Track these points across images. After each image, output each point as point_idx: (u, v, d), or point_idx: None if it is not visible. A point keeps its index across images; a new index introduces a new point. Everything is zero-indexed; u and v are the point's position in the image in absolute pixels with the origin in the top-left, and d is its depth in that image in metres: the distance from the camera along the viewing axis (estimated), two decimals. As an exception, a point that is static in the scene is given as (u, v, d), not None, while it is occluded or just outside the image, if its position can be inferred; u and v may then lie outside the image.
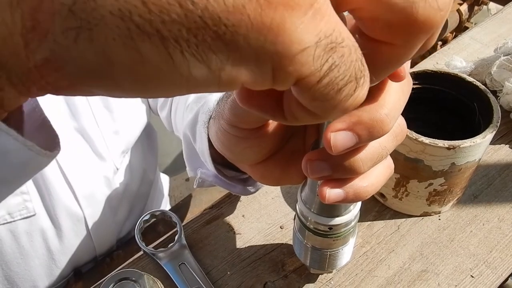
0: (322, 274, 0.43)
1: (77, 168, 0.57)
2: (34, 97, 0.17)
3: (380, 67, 0.18)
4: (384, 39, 0.17)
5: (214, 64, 0.14)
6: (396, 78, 0.21)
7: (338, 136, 0.21)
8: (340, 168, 0.24)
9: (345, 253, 0.37)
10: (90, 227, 0.62)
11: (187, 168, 0.54)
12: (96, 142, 0.59)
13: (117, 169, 0.63)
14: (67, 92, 0.16)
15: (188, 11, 0.13)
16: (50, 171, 0.54)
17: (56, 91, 0.16)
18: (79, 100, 0.55)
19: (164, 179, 0.90)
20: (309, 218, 0.33)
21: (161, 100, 0.64)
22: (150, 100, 0.68)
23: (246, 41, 0.13)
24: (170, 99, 0.61)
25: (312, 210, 0.32)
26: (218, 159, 0.39)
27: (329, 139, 0.21)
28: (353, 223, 0.33)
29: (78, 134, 0.56)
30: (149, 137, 0.75)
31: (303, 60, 0.14)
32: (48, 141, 0.21)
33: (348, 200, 0.26)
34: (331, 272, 0.43)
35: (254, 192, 0.44)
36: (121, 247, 0.71)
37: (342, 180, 0.25)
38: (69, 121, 0.55)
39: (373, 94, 0.22)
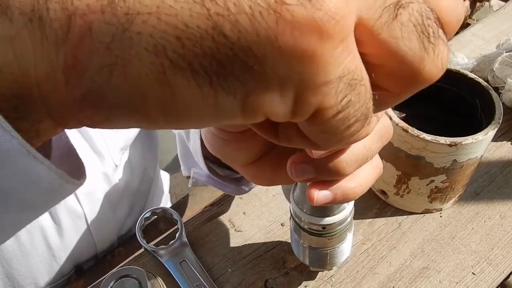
0: (322, 271, 0.43)
1: None
2: (70, 129, 0.17)
3: (376, 108, 0.18)
4: (383, 86, 0.17)
5: (239, 93, 0.14)
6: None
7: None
8: (324, 170, 0.24)
9: (344, 250, 0.37)
10: (90, 224, 0.62)
11: (182, 167, 0.54)
12: (95, 139, 0.59)
13: (116, 166, 0.63)
14: (104, 126, 0.16)
15: (220, 44, 0.13)
16: None
17: (93, 125, 0.16)
18: None
19: (165, 177, 0.90)
20: (302, 219, 0.33)
21: None
22: None
23: (274, 70, 0.14)
24: None
25: (304, 210, 0.32)
26: (211, 158, 0.39)
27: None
28: (347, 221, 0.33)
29: (76, 130, 0.57)
30: (148, 134, 0.75)
31: (326, 92, 0.14)
32: (73, 169, 0.21)
33: (336, 202, 0.25)
34: (331, 269, 0.43)
35: (248, 191, 0.44)
36: (122, 244, 0.71)
37: (329, 182, 0.25)
38: None
39: None
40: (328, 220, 0.32)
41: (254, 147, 0.28)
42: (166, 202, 0.87)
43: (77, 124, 0.16)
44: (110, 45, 0.13)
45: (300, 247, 0.37)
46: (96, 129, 0.58)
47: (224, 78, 0.14)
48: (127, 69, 0.13)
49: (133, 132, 0.66)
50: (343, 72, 0.14)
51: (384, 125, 0.26)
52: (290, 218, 0.37)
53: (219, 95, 0.14)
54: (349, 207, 0.32)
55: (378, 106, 0.18)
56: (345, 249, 0.37)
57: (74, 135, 0.57)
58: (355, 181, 0.26)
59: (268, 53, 0.13)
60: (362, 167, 0.26)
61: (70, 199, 0.58)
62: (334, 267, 0.43)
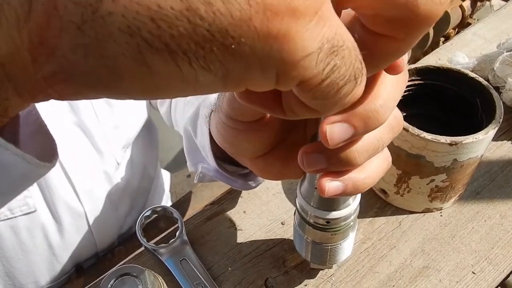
0: (322, 269, 0.43)
1: (77, 163, 0.57)
2: (37, 103, 0.17)
3: (381, 59, 0.18)
4: (387, 33, 0.17)
5: (220, 72, 0.14)
6: (394, 70, 0.21)
7: (334, 129, 0.21)
8: (336, 160, 0.24)
9: (345, 248, 0.37)
10: (91, 222, 0.62)
11: (188, 163, 0.54)
12: (96, 137, 0.58)
13: (118, 164, 0.63)
14: (72, 97, 0.16)
15: (196, 25, 0.13)
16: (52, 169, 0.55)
17: (61, 98, 0.16)
18: None
19: (165, 175, 0.90)
20: (309, 212, 0.33)
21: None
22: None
23: (252, 50, 0.14)
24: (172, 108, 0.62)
25: (311, 204, 0.32)
26: (218, 154, 0.39)
27: (325, 131, 0.21)
28: (352, 217, 0.33)
29: (77, 128, 0.56)
30: (149, 132, 0.75)
31: (306, 65, 0.15)
32: (45, 146, 0.21)
33: (347, 193, 0.26)
34: (331, 267, 0.43)
35: (255, 187, 0.44)
36: (122, 242, 0.71)
37: (340, 173, 0.25)
38: (68, 115, 0.55)
39: (368, 85, 0.22)
40: (333, 215, 0.32)
41: (265, 139, 0.29)
42: (166, 201, 0.87)
43: (45, 98, 0.16)
44: (82, 26, 0.13)
45: (303, 242, 0.38)
46: (99, 128, 0.58)
47: (203, 58, 0.14)
48: (102, 49, 0.13)
49: (135, 130, 0.66)
50: (322, 43, 0.15)
51: (396, 116, 0.26)
52: (294, 213, 0.37)
53: (199, 74, 0.14)
54: (354, 203, 0.32)
55: (385, 55, 0.18)
56: (346, 247, 0.37)
57: (76, 133, 0.56)
58: (365, 172, 0.26)
59: (244, 34, 0.13)
60: (372, 158, 0.26)
61: (71, 198, 0.58)
62: (334, 266, 0.43)
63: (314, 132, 0.28)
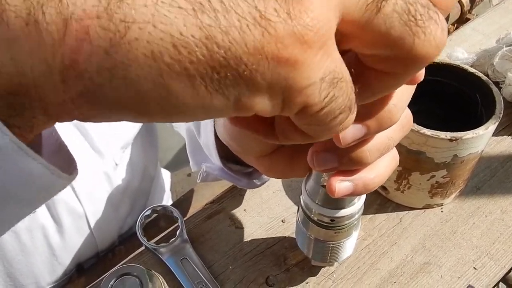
0: (323, 266, 0.43)
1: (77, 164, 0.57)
2: (61, 122, 0.18)
3: (378, 91, 0.19)
4: (385, 70, 0.18)
5: (233, 96, 0.16)
6: (412, 82, 0.22)
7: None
8: (347, 159, 0.24)
9: (347, 247, 0.37)
10: (91, 223, 0.61)
11: (191, 163, 0.54)
12: (95, 137, 0.58)
13: (117, 164, 0.63)
14: (96, 119, 0.17)
15: (213, 52, 0.14)
16: None
17: (85, 119, 0.17)
18: None
19: (166, 175, 0.90)
20: (313, 210, 0.33)
21: None
22: None
23: (263, 77, 0.15)
24: None
25: (316, 201, 0.32)
26: (222, 153, 0.39)
27: None
28: (356, 216, 0.33)
29: (75, 129, 0.56)
30: (149, 132, 0.75)
31: (310, 93, 0.16)
32: (64, 165, 0.21)
33: (356, 193, 0.26)
34: (332, 265, 0.43)
35: (260, 185, 0.44)
36: (123, 242, 0.71)
37: (349, 172, 0.26)
38: None
39: None
40: (338, 213, 0.32)
41: (271, 133, 0.28)
42: (167, 200, 0.87)
43: (70, 119, 0.17)
44: (109, 50, 0.14)
45: (306, 239, 0.38)
46: (97, 128, 0.58)
47: (218, 82, 0.15)
48: (126, 72, 0.14)
49: (134, 130, 0.65)
50: (324, 74, 0.16)
51: (406, 115, 0.26)
52: (298, 209, 0.37)
53: (214, 97, 0.15)
54: (359, 202, 0.32)
55: (389, 88, 0.19)
56: (348, 246, 0.37)
57: (74, 134, 0.56)
58: (375, 171, 0.26)
59: (257, 62, 0.15)
60: (381, 158, 0.26)
61: (71, 199, 0.57)
62: (335, 264, 0.43)
63: None
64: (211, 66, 0.15)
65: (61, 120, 0.17)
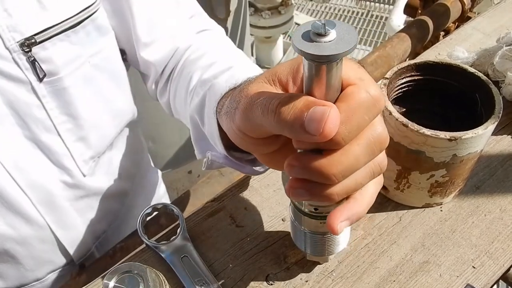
0: (320, 263, 0.44)
1: (31, 176, 0.54)
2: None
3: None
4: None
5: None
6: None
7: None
8: (315, 191, 0.29)
9: (341, 238, 0.38)
10: (57, 233, 0.59)
11: (196, 151, 0.55)
12: (56, 151, 0.55)
13: (84, 176, 0.61)
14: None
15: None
16: (2, 180, 0.51)
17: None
18: (32, 109, 0.51)
19: (156, 176, 0.86)
20: (303, 202, 0.34)
21: (160, 85, 0.63)
22: (149, 86, 0.66)
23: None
24: (168, 84, 0.62)
25: None
26: (225, 142, 0.41)
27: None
28: None
29: (29, 141, 0.53)
30: (132, 136, 0.71)
31: None
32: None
33: (353, 223, 0.31)
34: (327, 260, 0.44)
35: (264, 171, 0.46)
36: (100, 248, 0.70)
37: (344, 209, 0.30)
38: (16, 128, 0.51)
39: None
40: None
41: (274, 144, 0.32)
42: (159, 200, 0.85)
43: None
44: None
45: (299, 233, 0.38)
46: (57, 141, 0.55)
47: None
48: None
49: (107, 141, 0.63)
50: None
51: (378, 162, 0.30)
52: (289, 205, 0.38)
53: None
54: None
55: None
56: (342, 237, 0.38)
57: (27, 146, 0.53)
58: (364, 203, 0.31)
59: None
60: (368, 187, 0.31)
61: (29, 209, 0.55)
62: (330, 257, 0.43)
63: None
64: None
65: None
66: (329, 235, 0.37)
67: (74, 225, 0.63)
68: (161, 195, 0.87)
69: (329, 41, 0.24)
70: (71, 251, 0.64)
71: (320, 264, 0.44)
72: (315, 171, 0.27)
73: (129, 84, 0.66)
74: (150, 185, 0.84)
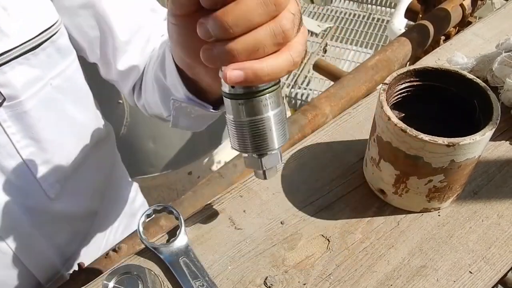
0: (258, 170, 0.40)
1: None
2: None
3: None
4: None
5: None
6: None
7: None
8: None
9: (272, 130, 0.36)
10: (22, 258, 0.59)
11: (162, 109, 0.59)
12: (20, 176, 0.55)
13: (51, 199, 0.60)
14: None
15: None
16: None
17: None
18: None
19: (129, 189, 0.85)
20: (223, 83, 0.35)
21: (137, 87, 0.66)
22: (127, 92, 0.67)
23: None
24: (142, 93, 0.65)
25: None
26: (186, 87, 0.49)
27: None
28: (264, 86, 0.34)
29: None
30: (103, 152, 0.70)
31: None
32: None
33: (249, 80, 0.32)
34: (262, 176, 0.40)
35: (220, 114, 0.53)
36: (69, 267, 0.69)
37: (242, 63, 0.32)
38: None
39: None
40: None
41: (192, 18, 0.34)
42: (132, 217, 0.82)
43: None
44: None
45: (229, 127, 0.37)
46: (18, 164, 0.54)
47: None
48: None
49: (74, 163, 0.62)
50: None
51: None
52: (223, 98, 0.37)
53: None
54: None
55: None
56: (272, 128, 0.36)
57: None
58: (264, 62, 0.32)
59: None
60: (273, 54, 0.32)
61: None
62: (268, 175, 0.40)
63: None
64: None
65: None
66: (252, 121, 0.35)
67: (41, 250, 0.61)
68: (136, 209, 0.84)
69: None
70: (38, 276, 0.62)
71: (261, 179, 0.41)
72: (212, 22, 0.31)
73: (94, 104, 0.65)
74: (123, 200, 0.82)
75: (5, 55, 0.48)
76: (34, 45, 0.50)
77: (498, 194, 0.49)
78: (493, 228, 0.47)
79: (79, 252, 0.71)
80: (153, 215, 0.48)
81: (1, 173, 0.54)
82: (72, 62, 0.57)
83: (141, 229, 0.46)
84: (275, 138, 0.37)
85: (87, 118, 0.64)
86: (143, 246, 0.47)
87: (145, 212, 0.47)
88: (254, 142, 0.37)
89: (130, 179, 0.87)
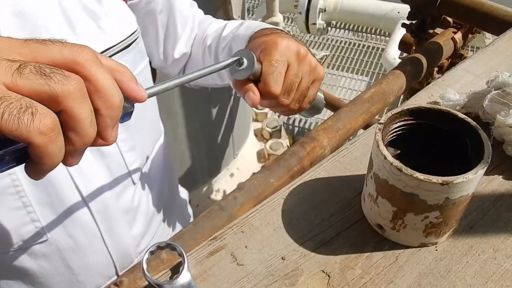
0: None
1: (91, 184, 0.59)
2: None
3: None
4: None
5: None
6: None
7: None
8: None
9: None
10: (107, 242, 0.63)
11: (219, 80, 0.76)
12: (114, 160, 0.61)
13: (134, 184, 0.67)
14: None
15: None
16: (66, 188, 0.57)
17: None
18: None
19: (183, 193, 0.94)
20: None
21: (174, 57, 0.78)
22: (156, 60, 0.79)
23: None
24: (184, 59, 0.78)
25: None
26: None
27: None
28: None
29: (93, 150, 0.59)
30: (163, 151, 0.79)
31: None
32: None
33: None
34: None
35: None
36: (126, 274, 0.72)
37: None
38: None
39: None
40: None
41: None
42: (185, 218, 0.89)
43: None
44: None
45: None
46: (115, 149, 0.61)
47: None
48: None
49: (151, 149, 0.71)
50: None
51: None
52: None
53: None
54: None
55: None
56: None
57: (93, 155, 0.59)
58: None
59: None
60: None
61: (86, 217, 0.60)
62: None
63: None
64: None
65: None
66: None
67: (122, 237, 0.67)
68: (186, 215, 0.93)
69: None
70: (117, 262, 0.67)
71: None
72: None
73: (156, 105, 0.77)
74: (179, 204, 0.91)
75: (108, 51, 0.57)
76: (126, 44, 0.60)
77: (493, 228, 0.51)
78: (489, 262, 0.48)
79: (148, 245, 0.75)
80: (157, 252, 0.49)
81: (100, 157, 0.60)
82: (146, 64, 0.68)
83: (145, 266, 0.47)
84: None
85: (155, 114, 0.76)
86: (146, 282, 0.47)
87: (148, 249, 0.48)
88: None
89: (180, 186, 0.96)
